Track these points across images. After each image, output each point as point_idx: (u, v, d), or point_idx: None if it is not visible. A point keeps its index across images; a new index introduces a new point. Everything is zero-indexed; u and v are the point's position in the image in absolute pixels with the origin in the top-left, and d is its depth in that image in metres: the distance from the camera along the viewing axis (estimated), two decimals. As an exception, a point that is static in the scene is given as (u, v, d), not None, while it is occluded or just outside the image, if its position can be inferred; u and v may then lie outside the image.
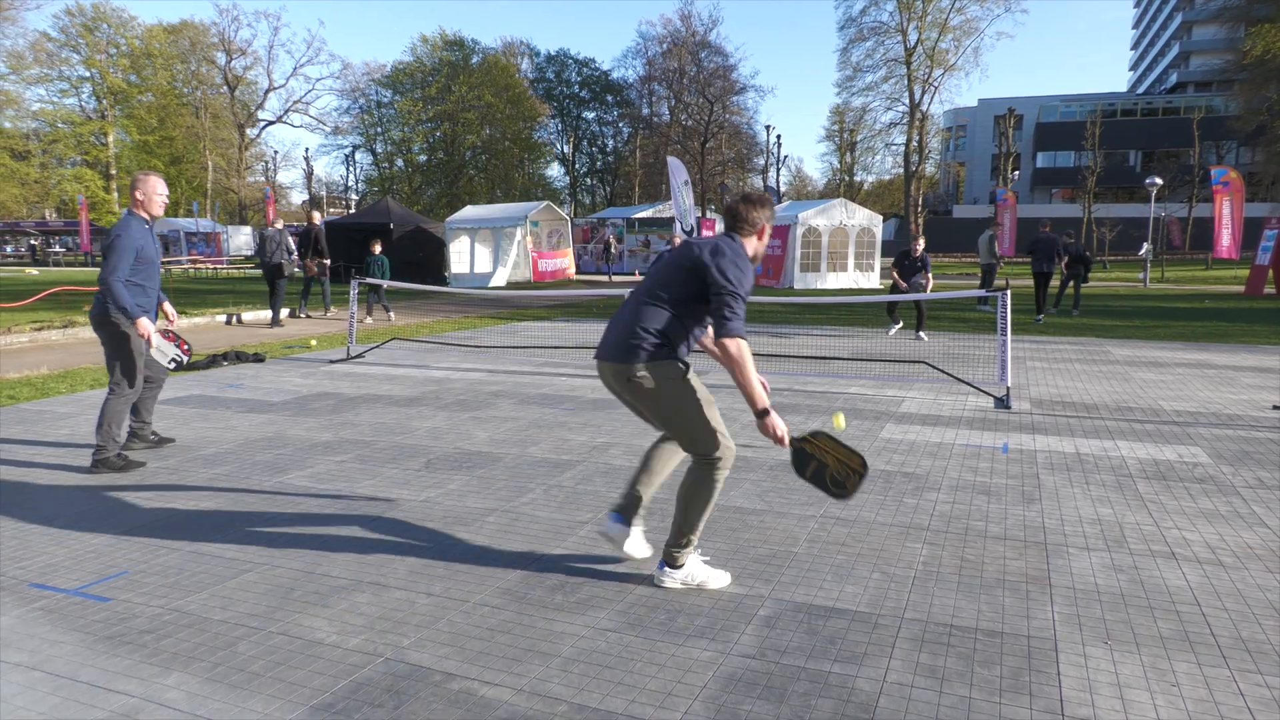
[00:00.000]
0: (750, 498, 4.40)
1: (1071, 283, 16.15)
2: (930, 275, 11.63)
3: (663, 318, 3.11)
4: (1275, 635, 2.86)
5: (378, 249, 14.35)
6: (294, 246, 13.93)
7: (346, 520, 4.07)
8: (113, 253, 4.81)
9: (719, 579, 3.29)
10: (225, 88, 62.24)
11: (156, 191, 5.04)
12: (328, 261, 15.05)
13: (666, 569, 3.27)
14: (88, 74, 57.89)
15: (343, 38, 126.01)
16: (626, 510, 3.35)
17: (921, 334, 11.75)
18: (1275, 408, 6.81)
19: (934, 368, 7.37)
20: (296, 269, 14.23)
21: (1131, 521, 4.03)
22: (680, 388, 3.12)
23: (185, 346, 5.38)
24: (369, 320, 14.11)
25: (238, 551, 3.67)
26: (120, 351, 4.95)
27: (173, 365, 5.20)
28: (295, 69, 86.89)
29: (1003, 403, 6.81)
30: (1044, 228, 15.50)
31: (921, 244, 11.86)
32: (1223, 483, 4.68)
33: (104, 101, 58.46)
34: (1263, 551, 3.64)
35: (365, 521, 4.05)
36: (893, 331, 12.37)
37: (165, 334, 5.22)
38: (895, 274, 11.90)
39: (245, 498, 4.43)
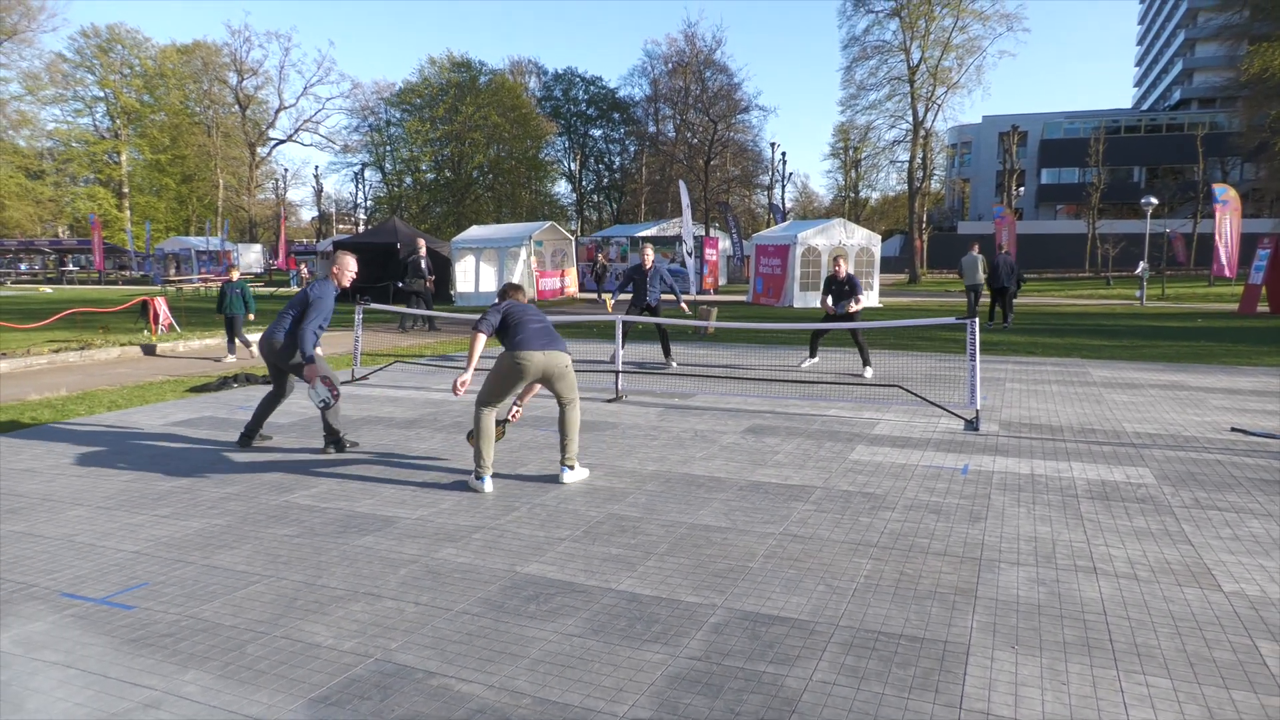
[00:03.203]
0: (718, 516, 4.77)
1: (1002, 297, 17.81)
2: (861, 299, 10.17)
3: None
4: (1166, 641, 3.21)
5: (235, 276, 12.57)
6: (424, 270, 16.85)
7: (346, 536, 4.45)
8: (314, 310, 6.13)
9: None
10: (236, 107, 63.33)
11: (347, 269, 6.41)
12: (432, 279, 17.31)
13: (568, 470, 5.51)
14: (102, 94, 59.03)
15: (353, 57, 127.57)
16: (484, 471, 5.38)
17: (867, 370, 10.23)
18: (1233, 429, 7.14)
19: (907, 390, 7.73)
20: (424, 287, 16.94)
21: (1065, 539, 4.38)
22: None
23: (336, 392, 6.01)
24: (230, 358, 12.24)
25: (247, 565, 4.06)
26: (325, 370, 6.21)
27: (322, 405, 6.06)
28: (305, 88, 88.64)
29: (972, 425, 7.16)
30: (1001, 249, 17.19)
31: (845, 266, 10.35)
32: (1160, 503, 5.03)
33: (117, 121, 59.54)
34: (1178, 567, 3.98)
35: (363, 537, 4.43)
36: (806, 364, 10.94)
37: (324, 380, 6.07)
38: (825, 301, 10.37)
39: (253, 515, 4.82)
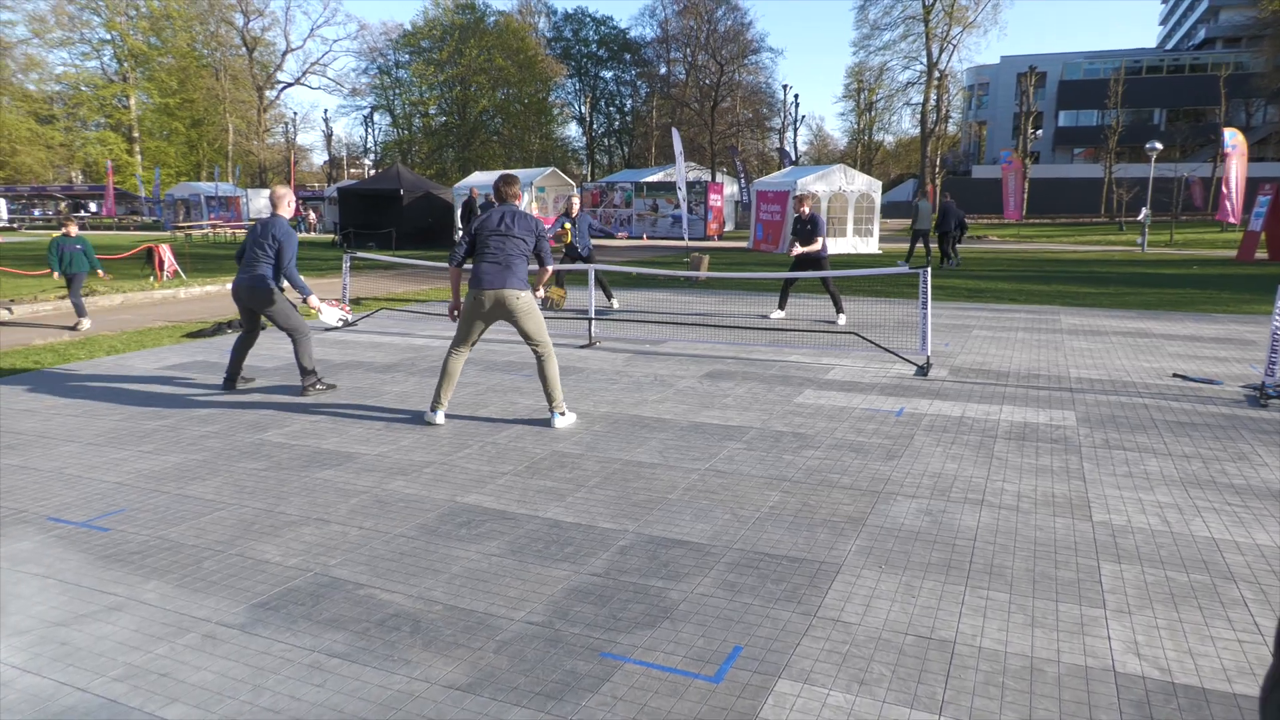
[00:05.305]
0: (652, 454, 5.15)
1: (946, 241, 19.45)
2: (820, 240, 9.81)
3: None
4: (1020, 562, 3.59)
5: (73, 230, 10.60)
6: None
7: (309, 470, 4.88)
8: (290, 249, 6.41)
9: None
10: (243, 49, 62.86)
11: (284, 200, 6.70)
12: None
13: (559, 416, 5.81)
14: (108, 36, 58.69)
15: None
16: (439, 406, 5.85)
17: (841, 318, 10.36)
18: (1174, 375, 7.43)
19: (862, 337, 8.03)
20: None
21: (966, 475, 4.74)
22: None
23: (346, 308, 6.49)
24: (86, 323, 10.47)
25: (215, 494, 4.49)
26: (293, 311, 6.68)
27: (340, 324, 6.59)
28: (312, 30, 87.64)
29: (922, 371, 7.48)
30: (946, 197, 19.79)
31: (808, 205, 10.04)
32: (1072, 443, 5.37)
33: (125, 64, 59.28)
34: (1060, 500, 4.34)
35: (324, 471, 4.85)
36: (774, 316, 10.82)
37: (327, 301, 6.50)
38: (794, 245, 10.05)
39: (228, 451, 5.25)
